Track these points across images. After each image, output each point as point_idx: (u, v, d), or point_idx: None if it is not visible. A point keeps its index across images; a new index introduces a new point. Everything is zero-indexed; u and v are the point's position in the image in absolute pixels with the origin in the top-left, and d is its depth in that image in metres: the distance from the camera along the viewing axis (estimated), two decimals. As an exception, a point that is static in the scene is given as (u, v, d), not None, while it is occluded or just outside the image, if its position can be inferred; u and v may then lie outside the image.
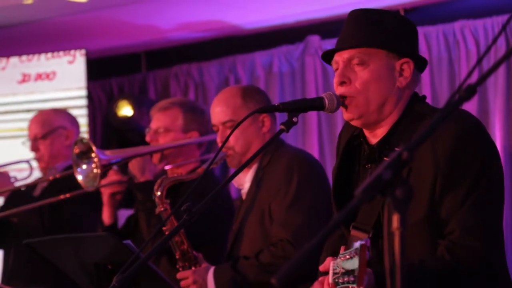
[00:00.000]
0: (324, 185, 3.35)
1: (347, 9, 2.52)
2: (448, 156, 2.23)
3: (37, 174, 4.72)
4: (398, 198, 1.41)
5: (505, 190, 2.35)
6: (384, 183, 1.40)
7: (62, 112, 4.63)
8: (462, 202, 2.22)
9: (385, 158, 2.32)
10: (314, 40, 5.63)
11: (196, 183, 2.41)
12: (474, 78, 4.20)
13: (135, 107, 6.03)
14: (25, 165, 4.69)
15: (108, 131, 6.53)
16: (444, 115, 1.51)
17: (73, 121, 4.54)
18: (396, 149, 1.54)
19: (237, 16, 5.63)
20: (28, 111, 5.95)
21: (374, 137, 2.42)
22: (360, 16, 2.41)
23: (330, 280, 2.20)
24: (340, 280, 2.14)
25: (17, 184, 4.49)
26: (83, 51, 6.06)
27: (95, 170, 3.62)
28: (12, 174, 4.53)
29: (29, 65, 6.18)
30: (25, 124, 4.97)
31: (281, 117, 2.51)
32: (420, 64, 2.43)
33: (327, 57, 2.46)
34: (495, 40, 2.02)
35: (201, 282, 3.28)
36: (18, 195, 4.34)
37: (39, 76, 6.17)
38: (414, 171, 2.22)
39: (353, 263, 2.10)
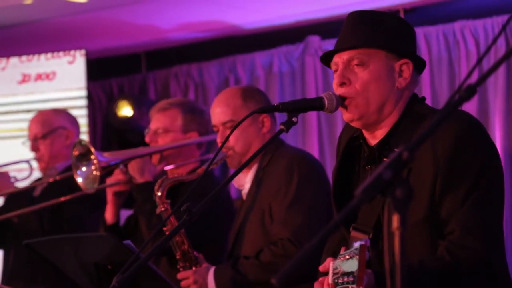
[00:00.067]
0: (324, 185, 3.35)
1: (347, 9, 2.52)
2: (448, 156, 2.23)
3: (37, 174, 4.72)
4: (398, 198, 1.41)
5: (505, 190, 2.35)
6: (384, 183, 1.40)
7: (62, 112, 4.63)
8: (462, 202, 2.22)
9: (384, 159, 2.32)
10: (314, 40, 5.63)
11: (196, 184, 2.41)
12: (474, 78, 4.20)
13: (135, 107, 6.02)
14: (25, 165, 4.69)
15: (108, 131, 6.52)
16: (444, 115, 1.51)
17: (73, 121, 4.54)
18: (396, 150, 1.54)
19: (237, 16, 5.63)
20: (28, 111, 5.94)
21: (374, 138, 2.42)
22: (359, 17, 2.41)
23: (330, 281, 2.20)
24: (339, 281, 2.14)
25: (17, 184, 4.49)
26: (83, 51, 6.06)
27: (94, 172, 3.62)
28: (12, 174, 4.53)
29: (29, 65, 6.17)
30: (25, 124, 4.97)
31: (281, 117, 2.51)
32: (419, 65, 2.43)
33: (326, 59, 2.46)
34: (495, 40, 2.02)
35: (201, 282, 3.28)
36: (18, 195, 4.34)
37: (39, 77, 6.16)
38: (414, 171, 2.22)
39: (353, 264, 2.10)
